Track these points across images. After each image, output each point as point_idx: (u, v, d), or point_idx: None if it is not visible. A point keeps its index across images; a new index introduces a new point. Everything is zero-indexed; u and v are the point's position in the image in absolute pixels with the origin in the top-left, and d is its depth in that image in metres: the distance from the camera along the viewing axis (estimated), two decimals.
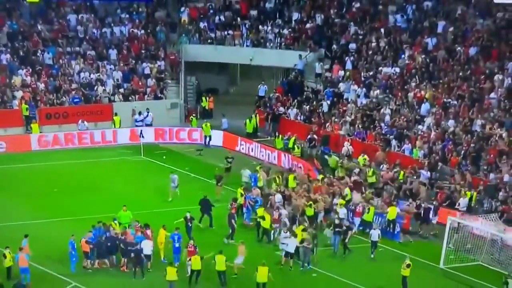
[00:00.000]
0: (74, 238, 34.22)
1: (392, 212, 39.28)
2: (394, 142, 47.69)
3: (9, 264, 33.08)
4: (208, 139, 52.56)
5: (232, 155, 46.83)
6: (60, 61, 57.44)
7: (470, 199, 40.74)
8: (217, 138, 53.49)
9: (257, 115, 55.07)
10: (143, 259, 34.32)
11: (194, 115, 56.08)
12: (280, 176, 43.25)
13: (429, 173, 43.58)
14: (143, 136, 52.08)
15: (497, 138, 44.27)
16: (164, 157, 50.69)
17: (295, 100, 55.21)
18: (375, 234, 36.77)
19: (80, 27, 60.20)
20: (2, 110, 53.47)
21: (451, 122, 46.66)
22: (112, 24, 61.13)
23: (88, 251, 34.30)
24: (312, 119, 52.76)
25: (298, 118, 53.89)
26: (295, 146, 49.77)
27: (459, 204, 40.82)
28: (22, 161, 49.07)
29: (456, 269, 36.07)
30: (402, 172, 43.88)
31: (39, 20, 59.72)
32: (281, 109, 55.00)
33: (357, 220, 39.63)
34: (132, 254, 34.31)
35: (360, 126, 50.09)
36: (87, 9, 61.70)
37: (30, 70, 55.93)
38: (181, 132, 54.27)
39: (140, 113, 54.71)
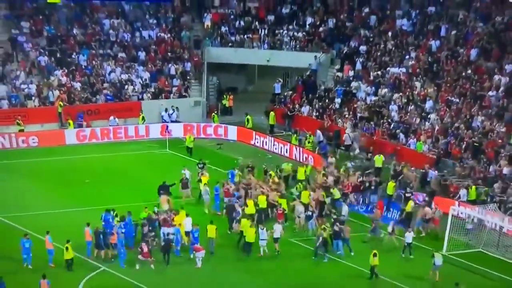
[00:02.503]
0: (123, 236, 33.48)
1: (409, 205, 38.15)
2: (401, 137, 46.63)
3: (69, 257, 32.22)
4: (201, 166, 43.94)
5: (204, 160, 44.32)
6: (93, 62, 56.91)
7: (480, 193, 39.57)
8: (232, 132, 52.62)
9: (271, 111, 53.98)
10: (171, 247, 33.42)
11: (215, 112, 55.31)
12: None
13: (436, 171, 42.27)
14: (168, 132, 51.28)
15: (496, 133, 43.32)
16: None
17: (309, 98, 54.24)
18: (409, 236, 34.81)
19: (112, 31, 59.62)
20: (40, 107, 53.00)
21: (454, 120, 45.67)
22: (141, 29, 60.53)
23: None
24: (324, 116, 51.80)
25: (312, 114, 52.94)
26: (306, 141, 48.99)
27: (459, 196, 39.77)
28: (57, 154, 48.45)
29: (458, 255, 35.24)
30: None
31: (74, 25, 59.21)
32: (295, 107, 54.17)
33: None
34: (163, 243, 33.47)
35: (370, 122, 49.20)
36: (119, 15, 61.06)
37: (66, 70, 55.41)
38: (207, 128, 53.45)
39: (166, 110, 54.06)
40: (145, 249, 32.86)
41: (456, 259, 34.94)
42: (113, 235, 33.57)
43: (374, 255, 32.22)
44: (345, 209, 37.97)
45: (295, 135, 50.19)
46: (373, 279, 32.48)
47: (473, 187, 39.74)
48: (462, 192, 39.87)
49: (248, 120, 53.45)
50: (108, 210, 35.33)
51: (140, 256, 32.97)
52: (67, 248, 32.09)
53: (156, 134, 52.39)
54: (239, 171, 42.02)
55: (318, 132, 49.88)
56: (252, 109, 55.40)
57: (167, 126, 51.89)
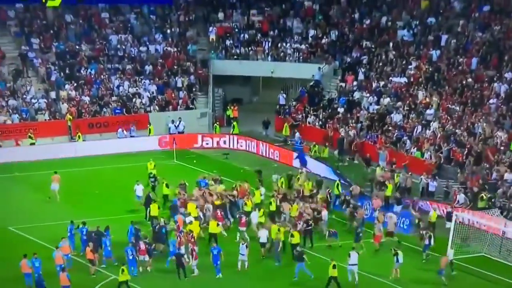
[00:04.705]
0: (132, 245, 33.35)
1: (433, 215, 37.72)
2: (406, 144, 46.51)
3: (124, 278, 31.33)
4: (153, 180, 42.82)
5: (154, 174, 43.33)
6: (101, 76, 56.95)
7: (482, 199, 39.21)
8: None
9: (285, 123, 53.67)
10: (183, 263, 32.98)
11: (218, 122, 55.34)
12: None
13: (435, 182, 42.06)
14: (176, 143, 51.18)
15: (496, 140, 43.19)
16: (195, 161, 49.95)
17: (313, 108, 54.23)
18: (451, 253, 33.94)
19: (120, 46, 59.65)
20: (50, 121, 53.11)
21: (456, 127, 45.60)
22: (148, 43, 60.51)
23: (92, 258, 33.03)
24: (327, 125, 51.68)
25: (315, 124, 52.93)
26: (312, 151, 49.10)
27: (458, 201, 39.56)
28: (68, 166, 48.25)
29: (461, 260, 34.93)
30: (399, 174, 42.81)
31: (83, 41, 59.27)
32: (299, 116, 54.06)
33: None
34: (174, 257, 33.13)
35: (372, 130, 49.19)
36: (126, 30, 61.12)
37: (75, 85, 55.49)
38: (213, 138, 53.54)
39: (173, 122, 54.02)
40: (142, 246, 33.02)
41: (459, 263, 34.66)
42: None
43: (334, 266, 31.66)
44: (324, 213, 37.80)
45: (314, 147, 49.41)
46: None
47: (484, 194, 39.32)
48: (460, 196, 39.67)
49: (234, 126, 53.85)
50: (82, 223, 35.04)
51: (140, 255, 33.03)
52: (122, 270, 31.34)
53: (163, 145, 52.33)
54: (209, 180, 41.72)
55: (297, 134, 50.24)
56: (256, 120, 55.63)
57: (174, 138, 51.86)
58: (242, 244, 34.02)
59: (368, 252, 35.36)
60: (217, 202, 38.45)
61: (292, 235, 34.78)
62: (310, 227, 36.47)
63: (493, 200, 39.08)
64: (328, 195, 40.42)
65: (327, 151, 48.42)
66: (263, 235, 34.96)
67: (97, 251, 33.60)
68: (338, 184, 41.72)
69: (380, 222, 36.75)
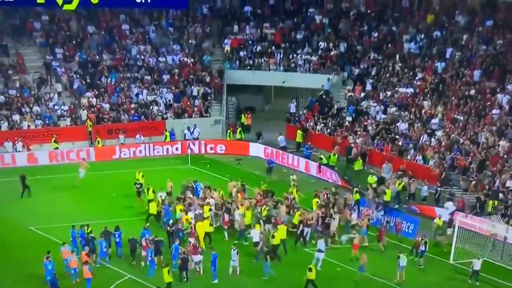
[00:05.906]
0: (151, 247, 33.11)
1: (438, 221, 37.27)
2: (411, 152, 45.85)
3: (169, 280, 30.82)
4: (139, 186, 41.71)
5: (140, 181, 42.37)
6: (121, 85, 56.74)
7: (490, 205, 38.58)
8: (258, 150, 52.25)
9: (298, 130, 52.57)
10: (187, 266, 32.46)
11: (231, 129, 54.87)
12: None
13: (426, 186, 41.54)
14: (191, 148, 50.80)
15: (499, 149, 42.59)
16: (208, 166, 49.59)
17: (322, 116, 53.69)
18: (477, 263, 32.79)
19: (139, 56, 59.41)
20: (71, 126, 52.95)
21: (460, 136, 44.98)
22: (166, 54, 60.24)
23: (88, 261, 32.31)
24: (336, 133, 51.13)
25: (324, 131, 52.32)
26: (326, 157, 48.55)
27: (447, 208, 38.90)
28: (88, 169, 47.87)
29: (464, 264, 34.36)
30: (401, 182, 42.06)
31: (104, 51, 59.09)
32: (310, 124, 53.50)
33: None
34: (180, 261, 32.51)
35: (379, 138, 48.54)
36: (145, 41, 60.90)
37: (96, 92, 55.29)
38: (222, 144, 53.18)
39: (188, 128, 53.69)
40: (144, 243, 33.12)
41: (462, 267, 34.14)
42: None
43: (309, 269, 31.05)
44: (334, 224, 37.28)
45: (334, 156, 48.36)
46: None
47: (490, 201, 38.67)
48: (448, 204, 39.02)
49: (240, 132, 53.79)
50: (81, 226, 34.66)
51: (143, 252, 33.09)
52: (169, 271, 30.84)
53: (179, 151, 52.04)
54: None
55: (281, 137, 50.25)
56: (268, 127, 55.12)
57: (189, 143, 51.56)
58: (233, 250, 33.10)
59: (373, 254, 34.88)
60: (206, 210, 37.70)
61: (273, 236, 34.21)
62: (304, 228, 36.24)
63: (494, 207, 38.42)
64: (326, 197, 39.86)
65: (360, 163, 46.64)
66: (255, 235, 34.49)
67: (93, 252, 33.26)
68: (356, 191, 40.95)
69: (363, 226, 36.62)
